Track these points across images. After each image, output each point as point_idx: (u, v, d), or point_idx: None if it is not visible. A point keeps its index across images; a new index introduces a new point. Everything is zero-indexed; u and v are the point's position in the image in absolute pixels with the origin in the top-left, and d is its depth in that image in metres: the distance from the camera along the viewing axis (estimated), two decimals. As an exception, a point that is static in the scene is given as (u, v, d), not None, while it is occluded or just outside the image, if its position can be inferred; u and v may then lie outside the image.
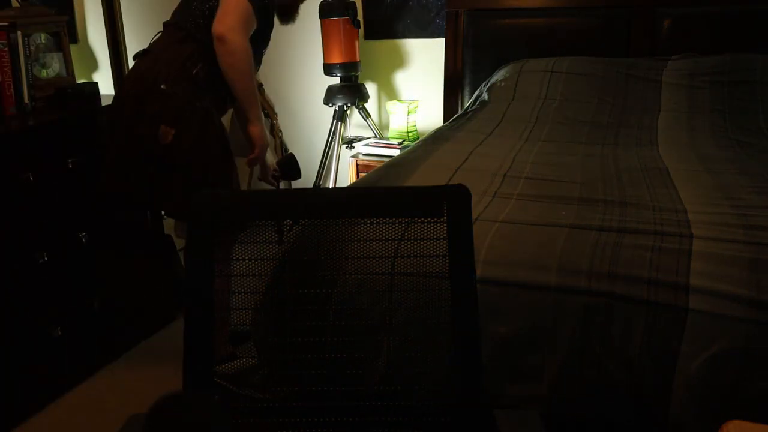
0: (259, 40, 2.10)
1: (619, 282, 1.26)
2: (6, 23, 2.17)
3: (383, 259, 1.07)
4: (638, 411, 1.23)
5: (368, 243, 1.05)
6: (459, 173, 1.88)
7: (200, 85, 2.00)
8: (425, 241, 1.01)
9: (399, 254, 1.05)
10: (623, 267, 1.28)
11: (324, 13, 3.08)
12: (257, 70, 2.19)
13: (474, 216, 1.51)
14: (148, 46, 2.11)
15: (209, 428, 0.76)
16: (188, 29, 2.02)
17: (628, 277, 1.26)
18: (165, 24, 2.13)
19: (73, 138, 2.22)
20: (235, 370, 1.38)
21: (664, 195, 1.65)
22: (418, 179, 1.83)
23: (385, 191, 1.24)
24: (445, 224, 1.00)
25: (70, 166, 2.15)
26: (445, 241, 1.00)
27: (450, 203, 0.99)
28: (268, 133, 2.14)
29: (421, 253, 1.02)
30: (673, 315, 1.21)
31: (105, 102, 2.39)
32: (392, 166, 2.02)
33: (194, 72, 1.99)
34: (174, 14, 2.12)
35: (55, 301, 2.19)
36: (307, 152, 3.62)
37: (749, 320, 1.17)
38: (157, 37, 2.12)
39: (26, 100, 2.21)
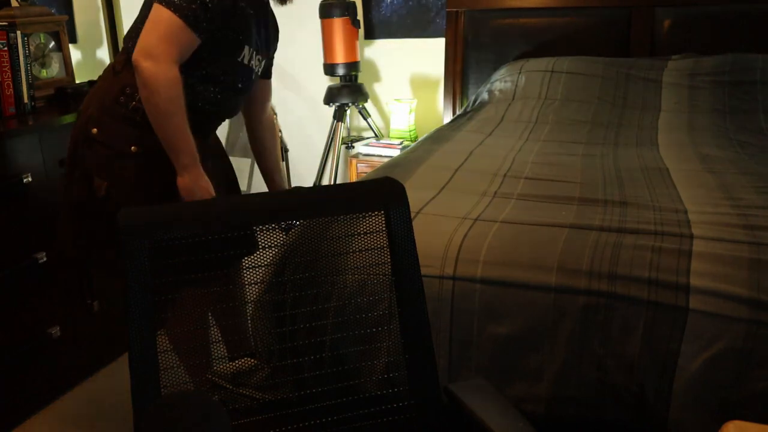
0: (219, 55, 1.61)
1: (619, 282, 1.26)
2: (6, 23, 2.17)
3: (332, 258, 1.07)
4: (638, 411, 1.23)
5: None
6: (459, 173, 1.88)
7: (138, 122, 1.58)
8: (369, 235, 1.04)
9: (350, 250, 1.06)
10: (623, 267, 1.28)
11: (324, 13, 3.08)
12: (236, 102, 1.73)
13: (474, 216, 1.51)
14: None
15: (209, 428, 0.76)
16: (128, 50, 1.59)
17: (628, 277, 1.26)
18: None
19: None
20: (234, 370, 1.38)
21: (664, 195, 1.65)
22: (418, 179, 1.82)
23: (325, 189, 1.20)
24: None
25: (70, 166, 2.15)
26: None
27: (387, 197, 1.01)
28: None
29: (368, 247, 1.04)
30: (673, 315, 1.21)
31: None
32: (392, 166, 2.02)
33: (132, 106, 1.58)
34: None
35: (55, 301, 2.18)
36: (307, 152, 3.62)
37: (749, 320, 1.17)
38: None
39: (26, 99, 2.21)
